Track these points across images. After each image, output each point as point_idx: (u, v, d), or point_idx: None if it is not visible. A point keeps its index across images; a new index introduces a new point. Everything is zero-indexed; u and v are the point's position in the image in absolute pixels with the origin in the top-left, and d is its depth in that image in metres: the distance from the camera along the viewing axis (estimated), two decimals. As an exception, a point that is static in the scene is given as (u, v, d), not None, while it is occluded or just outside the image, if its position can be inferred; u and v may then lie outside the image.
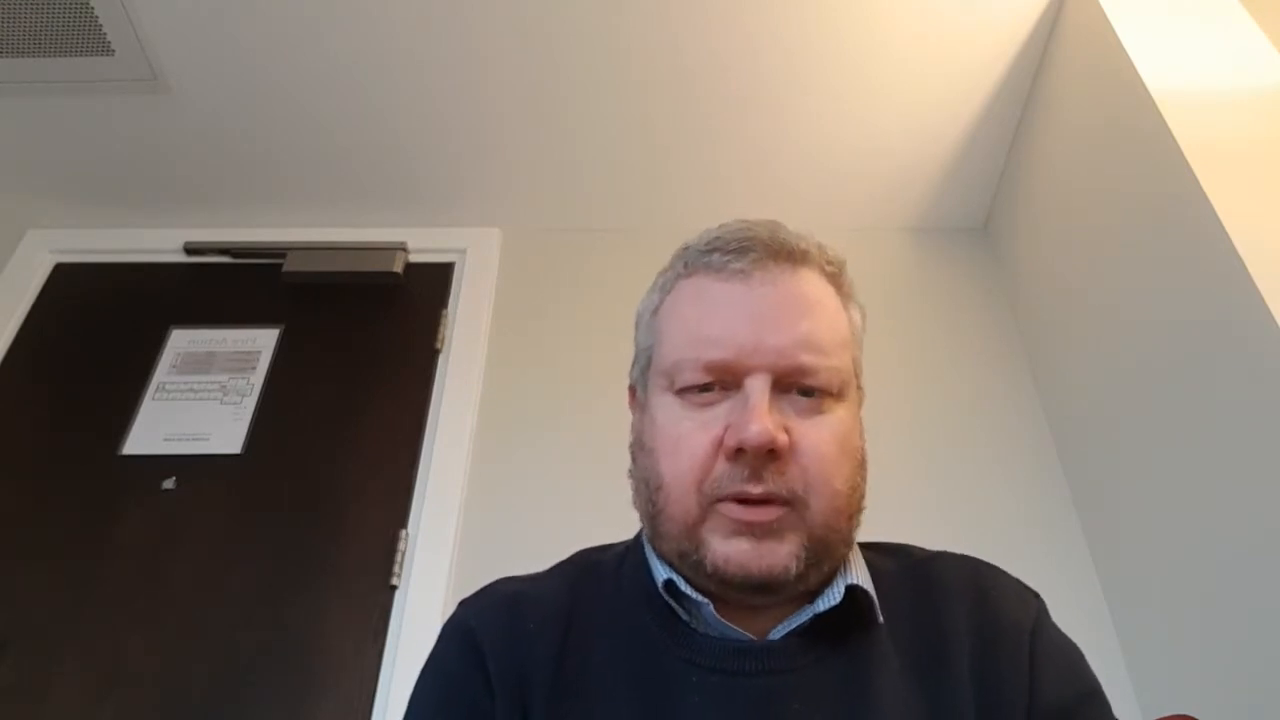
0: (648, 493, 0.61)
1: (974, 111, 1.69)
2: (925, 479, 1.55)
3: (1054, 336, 1.62)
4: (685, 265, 0.65)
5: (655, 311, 0.66)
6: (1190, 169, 1.16)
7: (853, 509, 0.60)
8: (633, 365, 0.69)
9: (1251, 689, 1.07)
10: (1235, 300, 1.07)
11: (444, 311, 1.81)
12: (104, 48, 1.58)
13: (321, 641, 1.43)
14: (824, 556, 0.58)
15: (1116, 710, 0.61)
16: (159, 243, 1.90)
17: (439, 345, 1.77)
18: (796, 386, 0.59)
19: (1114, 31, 1.36)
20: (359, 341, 1.77)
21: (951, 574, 0.65)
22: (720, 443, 0.57)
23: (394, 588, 1.48)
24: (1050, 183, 1.62)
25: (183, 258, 1.89)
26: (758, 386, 0.57)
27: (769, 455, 0.56)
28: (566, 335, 1.77)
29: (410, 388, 1.71)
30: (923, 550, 0.69)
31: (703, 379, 0.59)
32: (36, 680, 1.40)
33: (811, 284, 0.63)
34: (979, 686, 0.58)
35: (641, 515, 0.64)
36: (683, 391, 0.60)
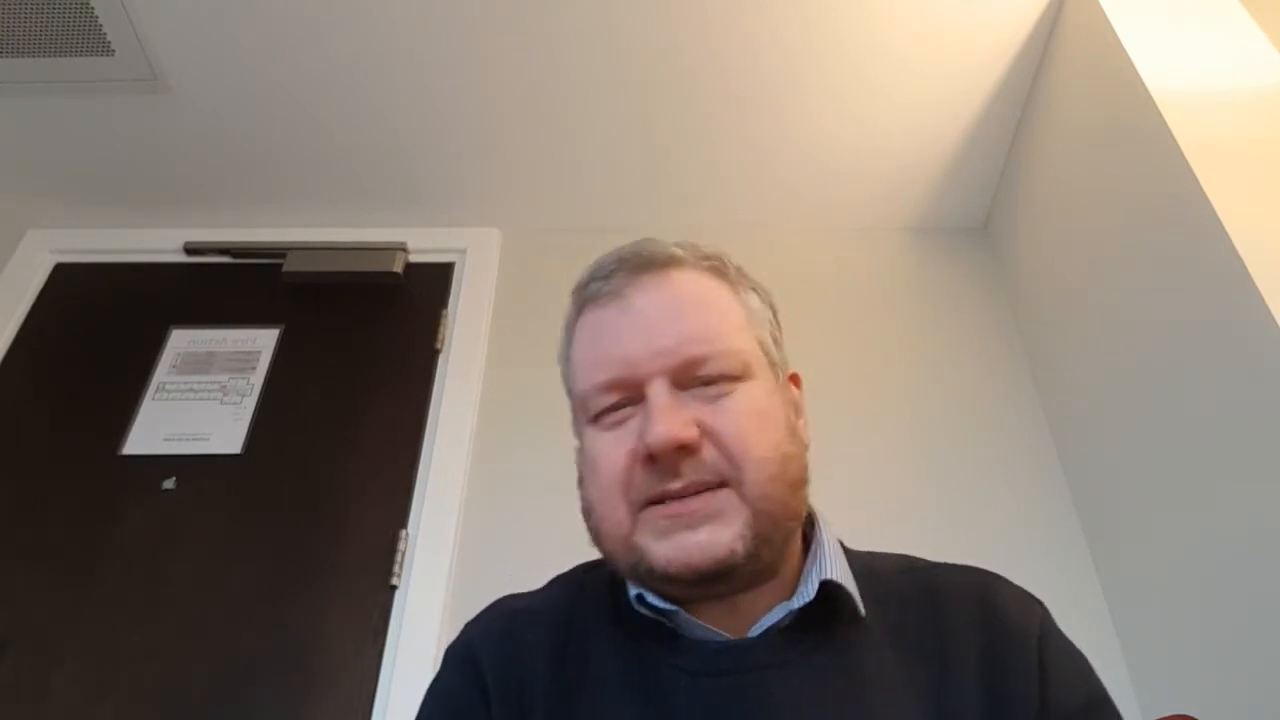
0: (587, 521, 0.63)
1: (974, 111, 1.69)
2: (925, 479, 1.55)
3: (1054, 336, 1.62)
4: (578, 308, 0.68)
5: (566, 358, 0.69)
6: (1190, 169, 1.16)
7: (790, 477, 0.60)
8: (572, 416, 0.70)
9: (1251, 689, 1.07)
10: (1235, 300, 1.07)
11: (444, 311, 1.81)
12: (104, 48, 1.58)
13: (321, 641, 1.43)
14: (771, 530, 0.58)
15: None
16: (159, 243, 1.90)
17: (439, 345, 1.77)
18: (696, 380, 0.60)
19: (1114, 31, 1.36)
20: (359, 341, 1.77)
21: (955, 581, 0.65)
22: (635, 454, 0.59)
23: (394, 588, 1.48)
24: (1050, 183, 1.62)
25: (183, 258, 1.89)
26: (657, 391, 0.59)
27: (682, 451, 0.57)
28: (566, 335, 1.76)
29: (410, 388, 1.71)
30: (925, 560, 0.69)
31: (608, 399, 0.61)
32: (36, 680, 1.40)
33: (686, 283, 0.64)
34: (986, 686, 0.58)
35: (592, 542, 0.65)
36: (598, 418, 0.62)
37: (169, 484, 1.59)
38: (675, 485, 0.57)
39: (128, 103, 1.68)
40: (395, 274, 1.84)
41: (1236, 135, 1.19)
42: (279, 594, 1.48)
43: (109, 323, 1.81)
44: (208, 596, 1.48)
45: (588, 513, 0.63)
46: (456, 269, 1.88)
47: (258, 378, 1.72)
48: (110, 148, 1.77)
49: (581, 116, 1.71)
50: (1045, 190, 1.64)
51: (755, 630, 0.60)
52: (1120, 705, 0.62)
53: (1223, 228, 1.09)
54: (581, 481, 0.65)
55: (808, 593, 0.60)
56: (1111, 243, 1.41)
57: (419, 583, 1.47)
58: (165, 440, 1.65)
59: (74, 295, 1.85)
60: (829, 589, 0.60)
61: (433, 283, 1.86)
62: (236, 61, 1.62)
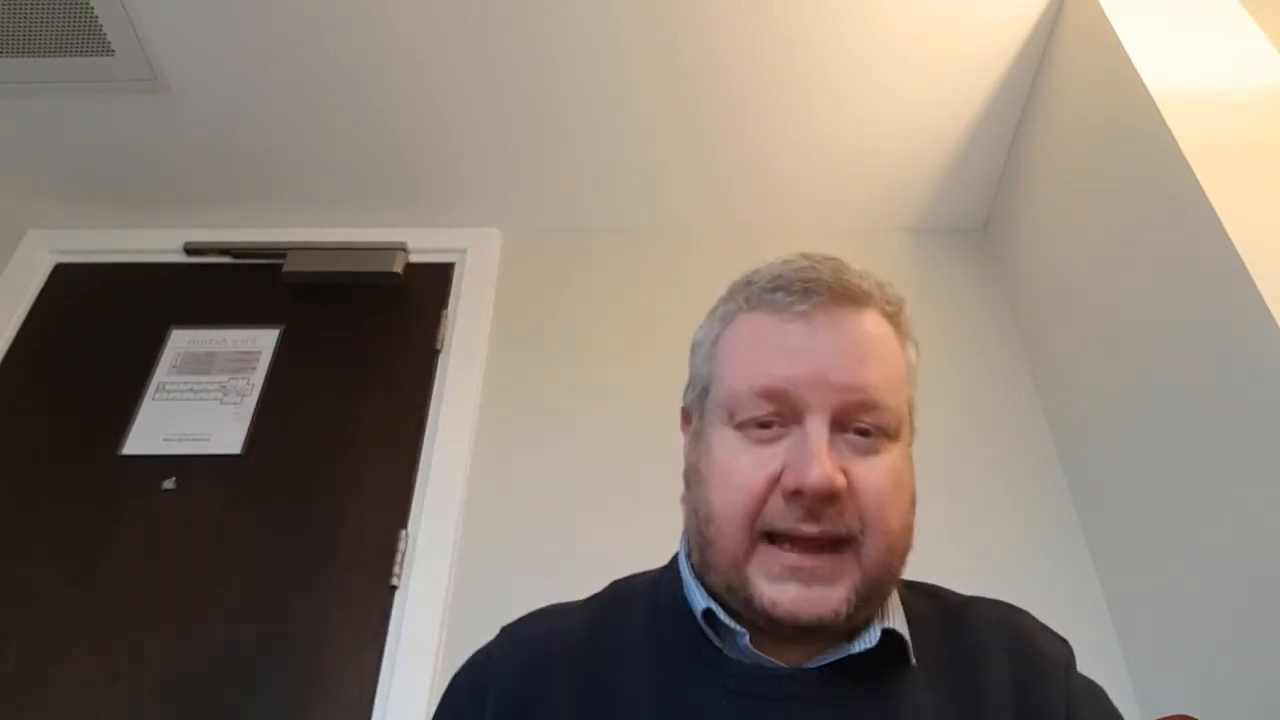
0: (697, 523, 0.62)
1: (974, 111, 1.69)
2: (925, 480, 1.53)
3: (1054, 336, 1.62)
4: (747, 300, 0.65)
5: (715, 342, 0.66)
6: (1190, 169, 1.16)
7: (905, 547, 0.61)
8: (687, 389, 0.69)
9: (1251, 689, 1.07)
10: (1235, 300, 1.07)
11: (444, 311, 1.81)
12: (104, 48, 1.58)
13: (321, 641, 1.43)
14: (874, 597, 0.59)
15: (1116, 711, 0.61)
16: (159, 243, 1.90)
17: (439, 345, 1.77)
18: (854, 427, 0.59)
19: (1114, 31, 1.36)
20: (359, 341, 1.77)
21: (985, 618, 0.66)
22: (776, 479, 0.58)
23: (394, 588, 1.48)
24: (1050, 183, 1.62)
25: (183, 258, 1.89)
26: (817, 427, 0.58)
27: (827, 499, 0.56)
28: (567, 335, 1.77)
29: (410, 388, 1.71)
30: (956, 595, 0.69)
31: (762, 409, 0.59)
32: (36, 680, 1.40)
33: (873, 324, 0.63)
34: (1018, 711, 0.58)
35: (691, 545, 0.64)
36: (742, 425, 0.60)
37: (169, 484, 1.59)
38: (809, 530, 0.56)
39: (128, 103, 1.68)
40: (395, 274, 1.84)
41: (1236, 135, 1.19)
42: (279, 594, 1.48)
43: (109, 323, 1.81)
44: (208, 596, 1.48)
45: (702, 517, 0.61)
46: (456, 269, 1.88)
47: (258, 378, 1.72)
48: (110, 148, 1.77)
49: (581, 116, 1.71)
50: (1045, 190, 1.64)
51: (809, 664, 0.60)
52: (1120, 705, 0.62)
53: (1223, 228, 1.09)
54: (696, 475, 0.63)
55: (870, 640, 0.59)
56: (1111, 243, 1.40)
57: (419, 583, 1.47)
58: (165, 440, 1.65)
59: (74, 295, 1.85)
60: (889, 635, 0.60)
61: (433, 283, 1.85)
62: (236, 61, 1.62)
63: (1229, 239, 1.08)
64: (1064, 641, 0.66)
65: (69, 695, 1.38)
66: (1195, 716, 1.03)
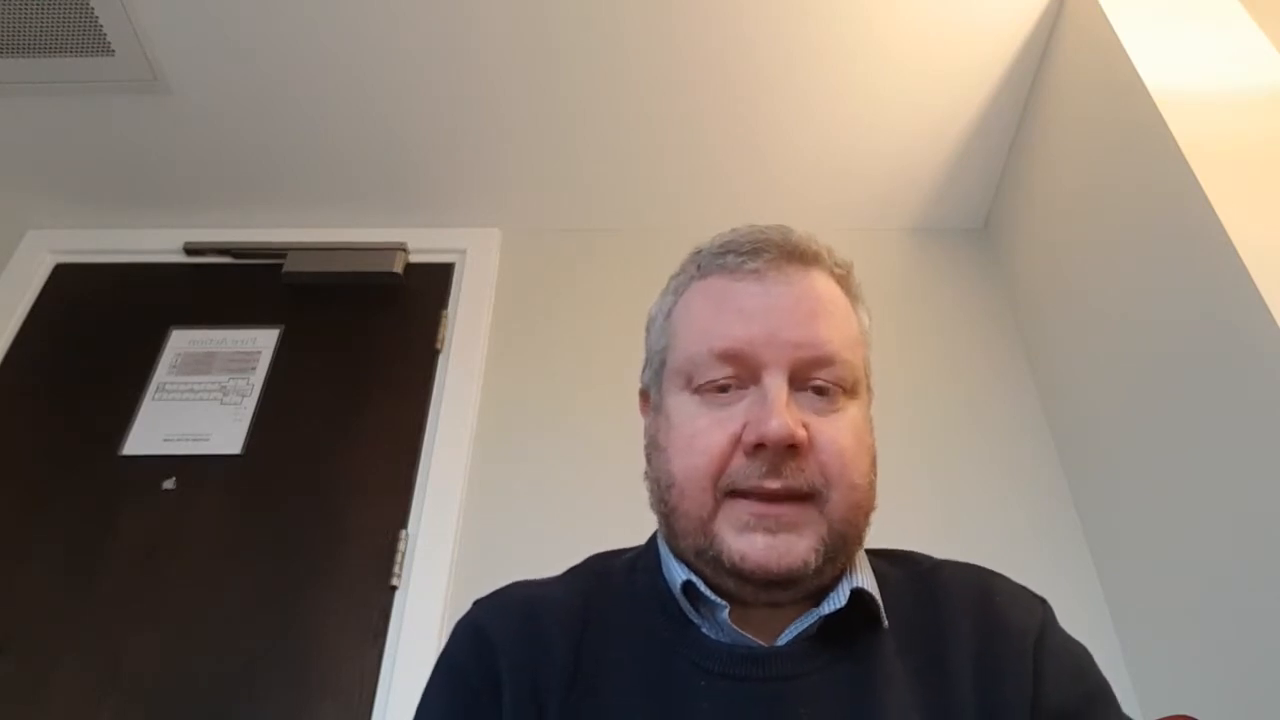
0: (660, 492, 0.62)
1: (974, 111, 1.69)
2: (925, 480, 1.55)
3: (1054, 336, 1.62)
4: (699, 268, 0.66)
5: (669, 314, 0.67)
6: (1190, 169, 1.16)
7: (869, 505, 0.61)
8: (644, 369, 0.69)
9: (1251, 689, 1.07)
10: (1235, 300, 1.07)
11: (444, 311, 1.81)
12: (104, 48, 1.58)
13: (321, 641, 1.43)
14: (840, 552, 0.59)
15: (1117, 710, 0.61)
16: (159, 243, 1.90)
17: (439, 345, 1.77)
18: (811, 384, 0.60)
19: (1114, 31, 1.36)
20: (359, 341, 1.77)
21: (956, 582, 0.65)
22: (737, 439, 0.58)
23: (394, 588, 1.48)
24: (1050, 183, 1.62)
25: (183, 258, 1.89)
26: (775, 382, 0.58)
27: (788, 451, 0.56)
28: (566, 335, 1.77)
29: (410, 388, 1.71)
30: (929, 558, 0.69)
31: (720, 371, 0.60)
32: (36, 680, 1.40)
33: (823, 283, 0.64)
34: (981, 691, 0.58)
35: (657, 515, 0.64)
36: (700, 389, 0.61)
37: (169, 484, 1.59)
38: (772, 485, 0.56)
39: (128, 103, 1.68)
40: (395, 274, 1.84)
41: (1236, 135, 1.19)
42: (279, 594, 1.48)
43: (109, 323, 1.81)
44: (207, 597, 1.48)
45: (664, 485, 0.61)
46: (456, 269, 1.88)
47: (258, 378, 1.72)
48: (110, 148, 1.77)
49: (581, 116, 1.71)
50: (1045, 190, 1.64)
51: (784, 638, 0.60)
52: (1120, 705, 0.62)
53: (1223, 228, 1.09)
54: (656, 447, 0.63)
55: (838, 600, 0.59)
56: (1111, 243, 1.41)
57: (419, 583, 1.47)
58: (165, 440, 1.65)
59: (74, 295, 1.85)
60: (860, 596, 0.60)
61: (433, 283, 1.86)
62: (236, 61, 1.62)
63: (1229, 239, 1.08)
64: (1041, 602, 0.65)
65: (69, 695, 1.38)
66: (1195, 716, 1.03)
